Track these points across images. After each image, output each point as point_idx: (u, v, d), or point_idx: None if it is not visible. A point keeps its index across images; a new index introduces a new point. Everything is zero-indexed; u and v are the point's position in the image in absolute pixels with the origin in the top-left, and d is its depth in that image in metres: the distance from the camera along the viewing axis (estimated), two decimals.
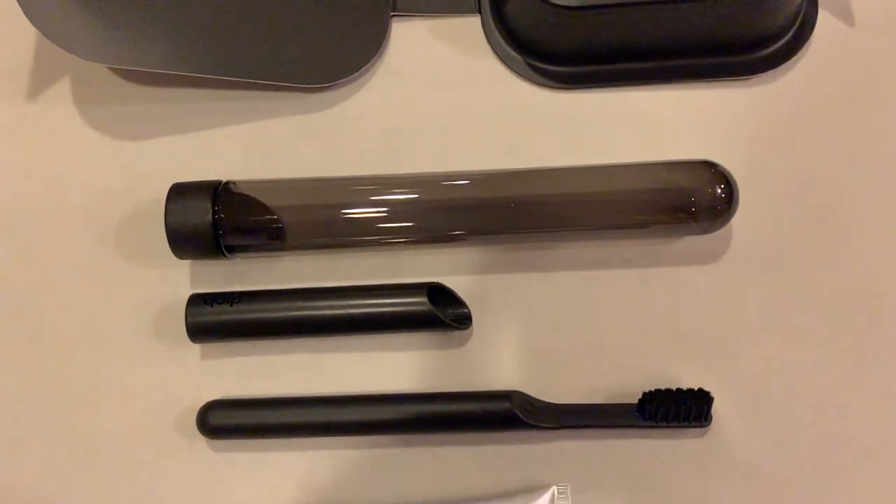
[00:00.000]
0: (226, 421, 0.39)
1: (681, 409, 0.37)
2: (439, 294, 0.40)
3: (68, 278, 0.42)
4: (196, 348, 0.41)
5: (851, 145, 0.42)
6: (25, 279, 0.42)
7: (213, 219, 0.38)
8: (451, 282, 0.40)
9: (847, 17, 0.43)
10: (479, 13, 0.44)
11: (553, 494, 0.37)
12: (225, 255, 0.39)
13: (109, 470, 0.40)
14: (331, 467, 0.39)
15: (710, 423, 0.38)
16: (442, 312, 0.39)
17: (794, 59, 0.43)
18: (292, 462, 0.39)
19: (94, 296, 0.42)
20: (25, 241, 0.42)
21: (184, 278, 0.42)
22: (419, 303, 0.39)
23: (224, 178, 0.40)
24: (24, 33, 0.44)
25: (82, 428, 0.40)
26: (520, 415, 0.38)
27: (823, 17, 0.43)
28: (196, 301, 0.40)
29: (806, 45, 0.43)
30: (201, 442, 0.40)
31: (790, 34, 0.43)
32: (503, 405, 0.38)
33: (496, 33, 0.44)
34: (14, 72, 0.44)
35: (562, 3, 0.40)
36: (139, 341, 0.41)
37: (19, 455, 0.40)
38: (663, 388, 0.38)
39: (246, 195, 0.39)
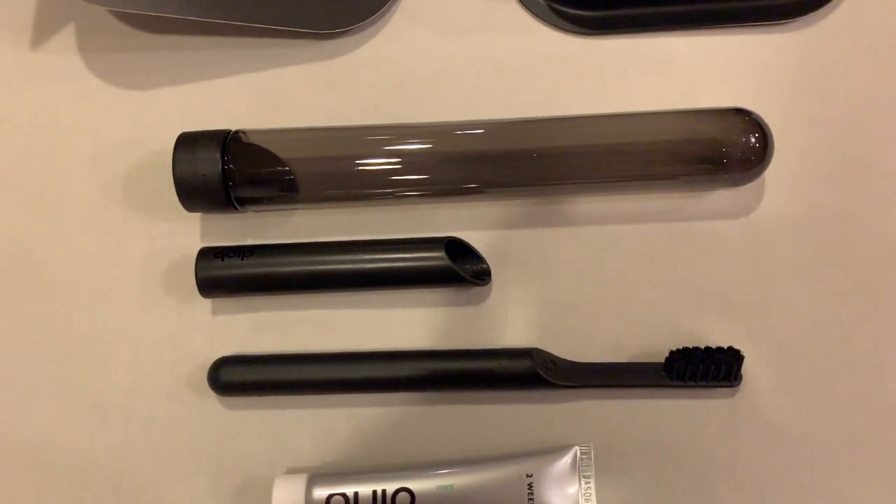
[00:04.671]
0: (238, 377, 0.38)
1: (710, 368, 0.36)
2: (457, 249, 0.39)
3: (74, 232, 0.41)
4: (207, 303, 0.40)
5: (892, 94, 0.40)
6: (30, 233, 0.41)
7: (223, 169, 0.37)
8: (469, 237, 0.39)
9: None
10: None
11: (575, 456, 0.36)
12: (236, 208, 0.38)
13: (119, 427, 0.39)
14: (346, 426, 0.38)
15: (739, 383, 0.37)
16: (460, 267, 0.38)
17: (832, 2, 0.40)
18: (306, 420, 0.39)
19: (101, 249, 0.40)
20: (30, 193, 0.41)
21: (194, 232, 0.40)
22: (437, 257, 0.38)
23: (233, 128, 0.38)
24: None
25: (91, 384, 0.39)
26: (541, 373, 0.37)
27: None
28: (206, 254, 0.38)
29: None
30: (213, 399, 0.39)
31: None
32: (524, 363, 0.37)
33: None
34: (18, 21, 0.43)
35: None
36: (148, 296, 0.40)
37: (29, 411, 0.39)
38: (691, 346, 0.37)
39: (256, 145, 0.38)
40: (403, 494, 0.35)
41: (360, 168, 0.38)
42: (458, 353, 0.38)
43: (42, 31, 0.43)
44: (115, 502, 0.38)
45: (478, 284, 0.38)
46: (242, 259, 0.38)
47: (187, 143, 0.37)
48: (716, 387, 0.37)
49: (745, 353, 0.36)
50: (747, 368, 0.37)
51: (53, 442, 0.39)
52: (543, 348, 0.38)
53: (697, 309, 0.38)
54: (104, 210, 0.41)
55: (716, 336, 0.38)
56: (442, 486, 0.36)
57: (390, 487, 0.36)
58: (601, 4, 0.41)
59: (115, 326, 0.40)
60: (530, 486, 0.35)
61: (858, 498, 0.37)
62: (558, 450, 0.36)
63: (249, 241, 0.40)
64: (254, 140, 0.38)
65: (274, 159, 0.38)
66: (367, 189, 0.39)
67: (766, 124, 0.37)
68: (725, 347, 0.36)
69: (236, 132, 0.38)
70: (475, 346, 0.38)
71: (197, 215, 0.40)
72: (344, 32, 0.42)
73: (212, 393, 0.38)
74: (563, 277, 0.39)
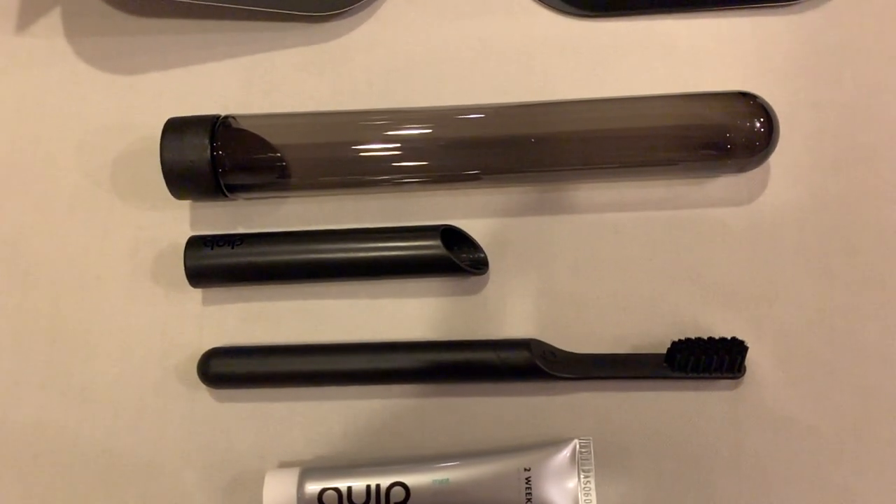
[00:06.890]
0: (228, 369, 0.37)
1: (712, 359, 0.35)
2: (454, 237, 0.38)
3: (61, 219, 0.40)
4: (196, 293, 0.39)
5: None
6: (16, 221, 0.40)
7: (212, 155, 0.36)
8: (466, 225, 0.38)
9: None
10: None
11: (575, 449, 0.35)
12: (226, 196, 0.37)
13: (107, 419, 0.38)
14: (339, 419, 0.38)
15: (743, 374, 0.36)
16: (457, 256, 0.37)
17: None
18: (299, 413, 0.38)
19: (87, 238, 0.40)
20: (16, 180, 0.40)
21: (183, 220, 0.40)
22: (433, 246, 0.37)
23: (223, 114, 0.37)
24: None
25: (78, 375, 0.38)
26: (540, 364, 0.36)
27: None
28: (196, 243, 0.37)
29: None
30: (203, 391, 0.38)
31: None
32: (522, 354, 0.36)
33: None
34: (3, 4, 0.42)
35: None
36: (136, 286, 0.39)
37: (15, 403, 0.38)
38: (694, 337, 0.36)
39: (247, 131, 0.37)
40: (398, 489, 0.35)
41: (354, 154, 0.37)
42: (454, 345, 0.37)
43: (27, 14, 0.42)
44: (103, 495, 0.38)
45: (475, 274, 0.37)
46: (233, 248, 0.37)
47: (175, 128, 0.36)
48: (718, 378, 0.36)
49: (748, 343, 0.36)
50: (751, 360, 0.36)
51: (40, 434, 0.38)
52: (542, 339, 0.37)
53: (700, 299, 0.38)
54: (91, 197, 0.40)
55: (719, 327, 0.37)
56: (437, 480, 0.35)
57: (384, 482, 0.35)
58: None
59: (103, 316, 0.39)
60: (528, 480, 0.35)
61: (864, 491, 0.36)
62: (557, 443, 0.36)
63: (240, 230, 0.39)
64: (244, 125, 0.37)
65: (265, 145, 0.37)
66: (361, 176, 0.38)
67: (771, 108, 0.36)
68: (728, 338, 0.36)
69: (226, 117, 0.37)
70: (472, 337, 0.38)
71: (186, 203, 0.40)
72: (337, 15, 0.41)
73: (202, 385, 0.37)
74: (563, 266, 0.38)
